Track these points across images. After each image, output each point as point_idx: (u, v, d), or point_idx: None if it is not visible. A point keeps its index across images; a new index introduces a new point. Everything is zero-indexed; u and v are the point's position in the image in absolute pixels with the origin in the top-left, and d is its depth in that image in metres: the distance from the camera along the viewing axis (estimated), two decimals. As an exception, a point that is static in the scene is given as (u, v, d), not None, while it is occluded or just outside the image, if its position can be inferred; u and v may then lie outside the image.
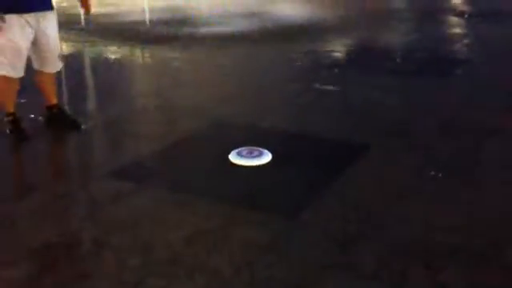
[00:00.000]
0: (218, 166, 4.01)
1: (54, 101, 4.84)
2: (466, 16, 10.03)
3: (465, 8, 11.11)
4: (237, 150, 4.15)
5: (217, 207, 3.41)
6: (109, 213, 3.39)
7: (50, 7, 4.55)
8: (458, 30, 9.22)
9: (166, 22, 9.39)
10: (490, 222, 3.21)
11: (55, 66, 4.74)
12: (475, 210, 3.35)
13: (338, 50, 7.74)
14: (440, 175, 3.78)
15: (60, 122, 4.83)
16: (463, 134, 4.51)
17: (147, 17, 9.41)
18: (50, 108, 4.83)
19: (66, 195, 3.64)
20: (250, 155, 4.11)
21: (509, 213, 3.32)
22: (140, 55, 7.96)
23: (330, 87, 5.93)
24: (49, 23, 4.53)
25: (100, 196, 3.61)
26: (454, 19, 9.92)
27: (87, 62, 7.74)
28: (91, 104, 5.78)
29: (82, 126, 4.83)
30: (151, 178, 3.85)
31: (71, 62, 7.04)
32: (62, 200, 3.58)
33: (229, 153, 4.12)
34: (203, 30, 8.85)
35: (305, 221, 3.24)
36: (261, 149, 4.18)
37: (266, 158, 4.07)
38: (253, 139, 4.37)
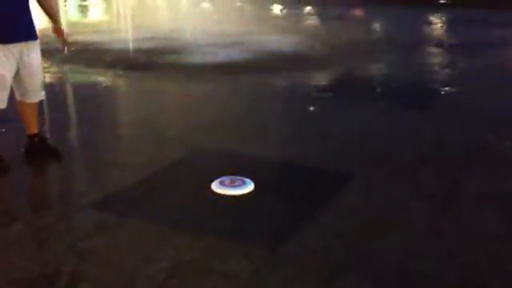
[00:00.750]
0: (200, 195, 3.99)
1: (36, 130, 4.79)
2: (446, 47, 10.18)
3: (444, 39, 11.30)
4: (219, 179, 4.14)
5: (199, 239, 3.38)
6: (89, 245, 3.34)
7: (34, 37, 4.53)
8: (437, 61, 9.35)
9: (150, 51, 9.39)
10: (473, 252, 3.23)
11: (38, 95, 4.70)
12: (457, 239, 3.36)
13: (320, 79, 7.80)
14: (422, 205, 3.80)
15: (41, 151, 4.77)
16: (444, 165, 4.54)
17: (131, 45, 9.42)
18: (31, 137, 4.78)
19: (46, 226, 3.59)
20: (233, 184, 4.10)
21: (489, 243, 3.34)
22: (123, 83, 7.94)
23: (313, 116, 5.96)
24: (32, 53, 4.50)
25: (81, 227, 3.57)
26: (434, 50, 10.07)
27: (70, 91, 7.70)
28: (73, 133, 5.73)
29: (63, 156, 4.78)
30: (133, 209, 3.81)
31: (54, 90, 7.01)
32: (42, 231, 3.53)
33: (211, 182, 4.10)
34: (187, 59, 8.86)
35: (288, 253, 3.22)
36: (243, 178, 4.17)
37: (249, 187, 4.07)
38: (235, 168, 4.35)
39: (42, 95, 4.75)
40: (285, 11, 15.14)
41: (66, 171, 4.65)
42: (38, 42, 4.59)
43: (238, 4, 12.29)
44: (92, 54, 9.26)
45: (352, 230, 3.50)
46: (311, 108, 6.24)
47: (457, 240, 3.36)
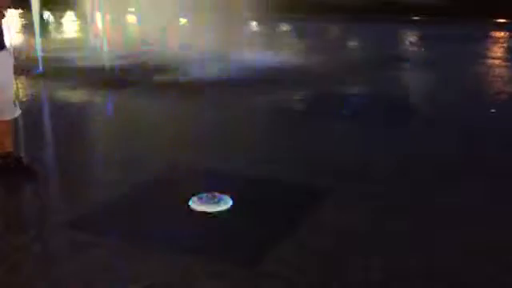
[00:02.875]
0: (177, 213, 3.95)
1: (9, 148, 4.70)
2: (418, 63, 10.27)
3: (416, 55, 11.42)
4: (197, 196, 4.11)
5: (176, 258, 3.34)
6: (65, 266, 3.28)
7: (1, 46, 4.34)
8: (411, 76, 9.42)
9: (129, 68, 9.32)
10: (449, 266, 3.24)
11: (10, 112, 4.58)
12: (435, 255, 3.38)
13: (297, 95, 7.79)
14: (397, 220, 3.82)
15: (15, 170, 4.68)
16: (419, 179, 4.57)
17: (109, 62, 9.32)
18: (4, 156, 4.68)
19: (20, 247, 3.52)
20: (211, 201, 4.07)
21: (467, 257, 3.36)
22: (100, 101, 7.87)
23: (292, 132, 5.97)
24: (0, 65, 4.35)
25: (56, 248, 3.52)
26: (407, 66, 10.15)
27: (45, 108, 7.62)
28: (49, 151, 5.65)
29: (39, 175, 4.71)
30: (109, 228, 3.76)
31: (29, 107, 6.92)
32: (16, 253, 3.46)
33: (189, 199, 4.07)
34: (166, 77, 8.79)
35: (266, 271, 3.20)
36: (221, 195, 4.14)
37: (227, 203, 4.04)
38: (213, 184, 4.32)
39: (15, 112, 4.60)
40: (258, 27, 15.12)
41: (41, 190, 4.57)
42: (7, 53, 4.43)
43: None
44: (69, 71, 9.16)
45: (330, 246, 3.49)
46: (290, 124, 6.24)
47: (435, 256, 3.38)
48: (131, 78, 8.73)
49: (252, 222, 3.83)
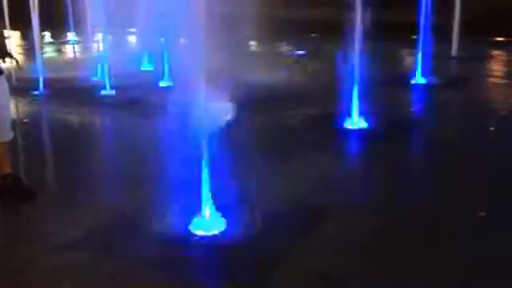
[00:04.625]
0: (176, 236, 3.94)
1: (8, 170, 4.73)
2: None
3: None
4: (195, 219, 4.10)
5: (172, 283, 3.33)
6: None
7: None
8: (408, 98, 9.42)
9: (126, 88, 9.37)
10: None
11: (7, 134, 4.65)
12: (432, 266, 3.39)
13: (299, 115, 7.79)
14: (397, 240, 3.84)
15: (15, 191, 4.70)
16: (414, 201, 4.56)
17: (107, 82, 9.37)
18: (3, 178, 4.71)
19: (18, 269, 3.53)
20: (208, 224, 4.06)
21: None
22: (100, 122, 7.91)
23: (282, 155, 5.96)
24: None
25: (55, 270, 3.52)
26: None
27: (44, 129, 7.66)
28: (48, 172, 5.68)
29: (38, 196, 4.72)
30: (107, 250, 3.77)
31: (28, 128, 6.96)
32: (15, 275, 3.47)
33: (188, 222, 4.06)
34: (163, 97, 8.80)
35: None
36: (217, 215, 4.13)
37: (221, 226, 4.03)
38: (208, 207, 4.30)
39: (10, 135, 4.68)
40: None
41: (41, 211, 4.57)
42: (3, 76, 4.52)
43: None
44: (68, 91, 9.22)
45: (330, 265, 3.51)
46: (279, 145, 6.25)
47: (432, 267, 3.39)
48: (131, 98, 8.76)
49: (248, 244, 3.82)
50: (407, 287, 3.32)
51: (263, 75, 10.06)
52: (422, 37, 9.34)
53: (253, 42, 14.82)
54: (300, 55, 13.40)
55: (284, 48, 15.14)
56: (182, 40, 8.93)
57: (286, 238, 3.89)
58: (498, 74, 11.13)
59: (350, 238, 3.94)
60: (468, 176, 5.07)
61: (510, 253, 3.64)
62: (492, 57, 12.46)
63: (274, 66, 11.83)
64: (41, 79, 9.20)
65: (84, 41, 12.01)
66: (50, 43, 16.38)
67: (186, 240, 3.90)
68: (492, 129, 6.86)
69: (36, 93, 9.05)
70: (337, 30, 6.66)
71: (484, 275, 3.40)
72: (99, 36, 10.46)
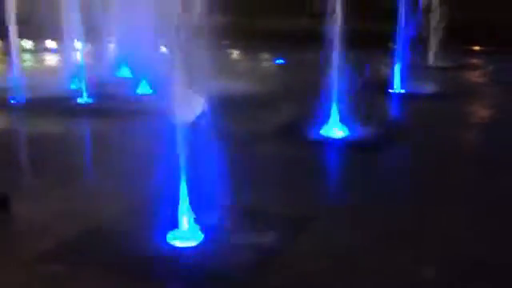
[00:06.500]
0: (154, 246, 3.92)
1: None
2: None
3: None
4: (173, 231, 4.07)
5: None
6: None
7: None
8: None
9: (103, 96, 9.29)
10: None
11: None
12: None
13: (276, 121, 7.79)
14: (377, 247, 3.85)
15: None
16: (400, 204, 4.63)
17: (84, 90, 9.28)
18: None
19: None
20: (184, 236, 4.03)
21: None
22: (74, 130, 7.82)
23: (263, 160, 5.97)
24: None
25: (32, 282, 3.46)
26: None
27: (19, 138, 7.56)
28: (21, 182, 5.59)
29: (11, 203, 4.64)
30: (85, 260, 3.73)
31: (3, 138, 6.87)
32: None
33: (165, 232, 4.03)
34: (138, 105, 8.76)
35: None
36: (194, 227, 4.11)
37: (199, 238, 4.01)
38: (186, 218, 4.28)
39: None
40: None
41: (13, 223, 4.52)
42: None
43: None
44: (42, 100, 9.10)
45: (316, 272, 3.53)
46: (260, 151, 6.27)
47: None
48: (106, 106, 8.69)
49: (223, 256, 3.80)
50: None
51: (240, 82, 10.10)
52: (400, 46, 9.45)
53: (233, 51, 14.85)
54: (279, 64, 13.44)
55: (263, 56, 15.18)
56: (161, 49, 8.95)
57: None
58: (475, 82, 11.29)
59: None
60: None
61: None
62: (469, 66, 12.60)
63: (253, 73, 11.87)
64: (17, 88, 9.09)
65: (62, 49, 11.87)
66: (28, 51, 16.22)
67: (163, 251, 3.87)
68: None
69: (11, 101, 8.93)
70: (317, 39, 6.70)
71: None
72: (77, 44, 10.38)
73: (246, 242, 3.98)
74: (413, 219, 4.42)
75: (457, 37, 12.46)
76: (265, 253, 3.87)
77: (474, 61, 13.31)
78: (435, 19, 11.82)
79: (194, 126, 4.03)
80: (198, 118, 4.05)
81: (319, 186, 5.32)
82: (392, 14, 9.33)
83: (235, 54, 15.00)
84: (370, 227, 4.25)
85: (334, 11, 6.51)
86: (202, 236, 4.04)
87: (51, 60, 15.21)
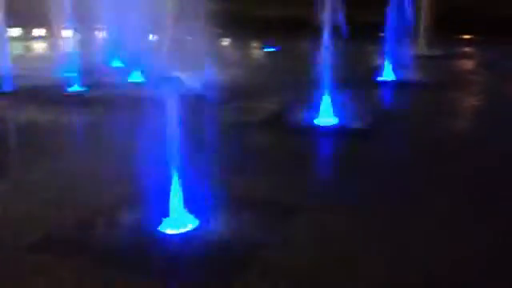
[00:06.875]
0: (146, 235, 3.94)
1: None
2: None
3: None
4: (165, 219, 4.08)
5: (141, 283, 3.35)
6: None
7: None
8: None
9: (95, 85, 9.28)
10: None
11: None
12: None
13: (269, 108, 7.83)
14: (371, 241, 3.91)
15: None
16: (391, 199, 4.66)
17: (75, 79, 9.26)
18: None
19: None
20: (178, 222, 4.07)
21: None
22: (65, 119, 7.80)
23: (257, 148, 6.02)
24: None
25: (18, 271, 3.49)
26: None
27: (10, 127, 7.55)
28: (12, 171, 5.60)
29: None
30: (74, 250, 3.76)
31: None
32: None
33: (157, 222, 4.06)
34: (132, 93, 8.74)
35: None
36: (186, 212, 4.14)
37: (193, 223, 4.05)
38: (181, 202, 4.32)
39: None
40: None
41: (1, 210, 4.52)
42: None
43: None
44: (35, 89, 9.07)
45: (304, 265, 3.55)
46: (252, 139, 6.32)
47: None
48: (100, 95, 8.68)
49: (219, 243, 3.84)
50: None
51: (233, 70, 10.11)
52: (390, 35, 9.49)
53: (226, 39, 14.84)
54: (272, 52, 13.47)
55: (256, 44, 15.19)
56: (153, 36, 8.92)
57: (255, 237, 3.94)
58: (464, 71, 11.37)
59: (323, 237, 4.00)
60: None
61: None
62: (459, 54, 12.67)
63: (245, 61, 11.88)
64: (5, 76, 9.06)
65: (53, 37, 11.80)
66: (18, 39, 16.11)
67: (157, 237, 3.91)
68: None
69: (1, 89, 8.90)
70: (309, 28, 6.74)
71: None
72: (69, 32, 10.35)
73: (236, 229, 4.03)
74: (403, 202, 4.49)
75: (446, 25, 12.55)
76: (256, 240, 3.91)
77: (464, 49, 13.39)
78: (425, 8, 11.88)
79: (186, 113, 4.05)
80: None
81: (310, 172, 5.37)
82: (382, 3, 9.37)
83: (227, 41, 15.00)
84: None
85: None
86: (194, 223, 4.08)
87: (42, 48, 15.15)
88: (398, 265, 3.57)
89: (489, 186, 4.85)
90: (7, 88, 8.96)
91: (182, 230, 4.01)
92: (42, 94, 8.75)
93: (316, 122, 6.79)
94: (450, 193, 4.72)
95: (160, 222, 4.05)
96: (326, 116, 6.79)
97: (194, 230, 4.01)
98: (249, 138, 6.36)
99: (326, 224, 4.14)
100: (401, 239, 3.91)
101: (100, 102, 8.27)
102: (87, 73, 9.36)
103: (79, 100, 8.54)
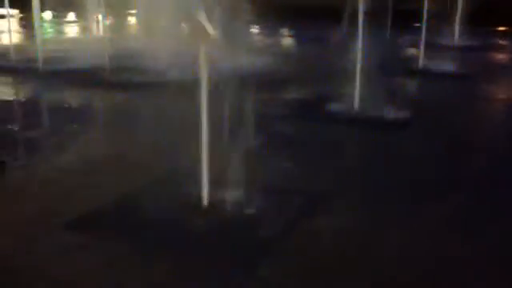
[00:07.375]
0: (181, 217, 3.88)
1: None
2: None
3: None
4: (194, 204, 4.05)
5: (176, 263, 3.35)
6: (62, 271, 3.28)
7: None
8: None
9: (128, 69, 9.28)
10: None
11: None
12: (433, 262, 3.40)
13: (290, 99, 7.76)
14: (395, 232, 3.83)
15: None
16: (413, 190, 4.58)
17: (108, 63, 9.29)
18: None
19: (19, 248, 3.51)
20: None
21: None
22: (99, 102, 7.85)
23: (281, 137, 5.96)
24: None
25: (54, 251, 3.51)
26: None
27: (43, 108, 7.61)
28: (45, 152, 5.64)
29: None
30: (109, 231, 3.76)
31: (26, 107, 6.92)
32: (11, 257, 3.44)
33: (195, 200, 4.01)
34: (163, 78, 8.75)
35: (262, 277, 3.22)
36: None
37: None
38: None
39: None
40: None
41: (35, 191, 4.51)
42: None
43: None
44: (69, 71, 9.15)
45: (324, 256, 3.50)
46: (277, 128, 6.22)
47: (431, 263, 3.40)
48: (132, 78, 8.68)
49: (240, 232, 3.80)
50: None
51: (262, 58, 10.05)
52: (425, 25, 9.37)
53: (255, 26, 14.78)
54: (302, 40, 13.40)
55: (286, 32, 15.11)
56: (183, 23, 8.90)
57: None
58: (500, 62, 11.15)
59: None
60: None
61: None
62: (493, 46, 12.44)
63: (274, 49, 11.80)
64: (39, 58, 9.16)
65: (84, 22, 11.91)
66: (51, 23, 16.29)
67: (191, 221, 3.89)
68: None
69: (34, 71, 8.99)
70: (340, 16, 6.67)
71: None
72: (100, 17, 10.41)
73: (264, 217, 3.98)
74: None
75: (482, 17, 12.36)
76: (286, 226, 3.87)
77: (500, 41, 13.14)
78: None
79: (216, 100, 4.02)
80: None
81: (339, 163, 5.29)
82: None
83: (257, 29, 14.94)
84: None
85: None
86: (224, 210, 4.04)
87: (75, 32, 15.28)
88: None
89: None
90: (39, 70, 9.04)
91: (212, 217, 3.97)
92: (76, 77, 8.79)
93: (348, 111, 6.70)
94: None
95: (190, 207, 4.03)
96: (359, 105, 6.70)
97: (224, 216, 3.96)
98: (277, 126, 6.30)
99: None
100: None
101: (131, 85, 8.29)
102: (119, 57, 9.38)
103: (110, 83, 8.56)
